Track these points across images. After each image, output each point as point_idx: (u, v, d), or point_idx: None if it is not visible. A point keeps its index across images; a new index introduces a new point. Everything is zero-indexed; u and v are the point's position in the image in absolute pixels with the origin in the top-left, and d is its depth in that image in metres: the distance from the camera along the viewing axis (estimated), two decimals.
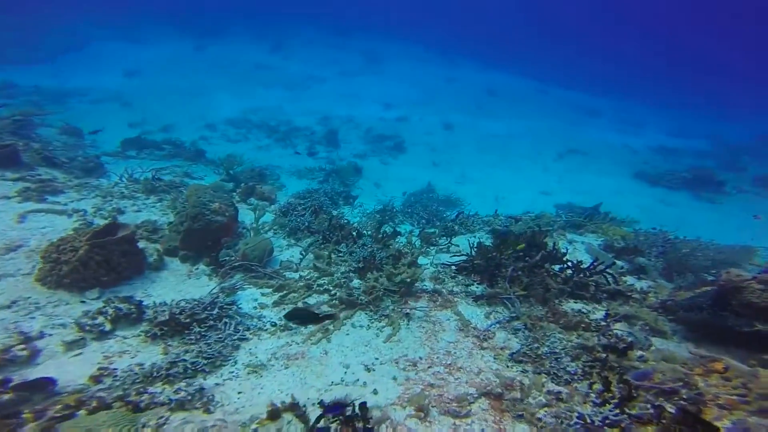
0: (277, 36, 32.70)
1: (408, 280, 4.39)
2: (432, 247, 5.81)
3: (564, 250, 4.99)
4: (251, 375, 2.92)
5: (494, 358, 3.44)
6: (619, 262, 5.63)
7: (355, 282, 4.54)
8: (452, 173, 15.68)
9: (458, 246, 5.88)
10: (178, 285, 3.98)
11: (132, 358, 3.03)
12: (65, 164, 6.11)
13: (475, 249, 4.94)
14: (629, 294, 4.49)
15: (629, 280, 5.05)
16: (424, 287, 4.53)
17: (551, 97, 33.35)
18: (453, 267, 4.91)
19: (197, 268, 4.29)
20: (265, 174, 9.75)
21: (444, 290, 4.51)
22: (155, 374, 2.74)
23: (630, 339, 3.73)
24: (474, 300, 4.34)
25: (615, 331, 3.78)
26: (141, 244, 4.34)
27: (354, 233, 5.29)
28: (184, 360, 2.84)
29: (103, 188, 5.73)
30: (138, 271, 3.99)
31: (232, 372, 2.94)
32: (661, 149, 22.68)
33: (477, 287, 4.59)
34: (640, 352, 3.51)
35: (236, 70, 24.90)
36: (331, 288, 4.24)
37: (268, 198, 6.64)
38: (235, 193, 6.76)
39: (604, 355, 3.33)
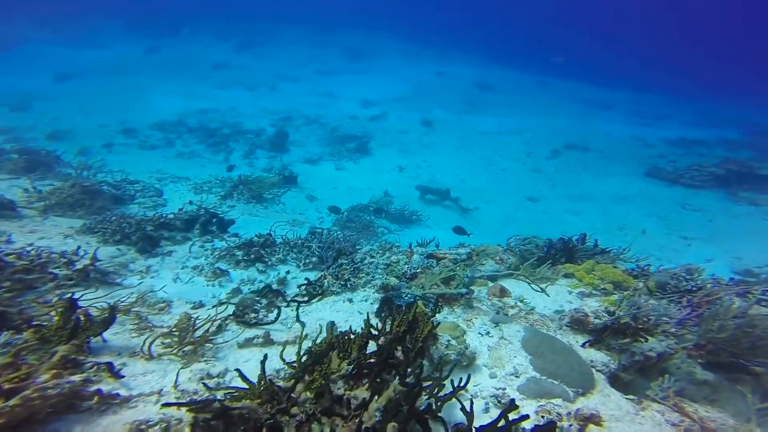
0: (248, 34, 30.62)
1: None
2: (244, 331, 3.09)
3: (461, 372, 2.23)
4: None
5: None
6: (598, 359, 2.82)
7: None
8: (420, 179, 12.94)
9: (304, 325, 3.18)
10: None
11: None
12: None
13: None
14: None
15: None
16: None
17: (554, 90, 30.38)
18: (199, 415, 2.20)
19: None
20: (125, 189, 7.29)
21: None
22: None
23: None
24: None
25: None
26: None
27: None
28: None
29: None
30: None
31: None
32: (681, 141, 19.39)
33: None
34: None
35: (190, 71, 22.78)
36: None
37: None
38: None
39: None
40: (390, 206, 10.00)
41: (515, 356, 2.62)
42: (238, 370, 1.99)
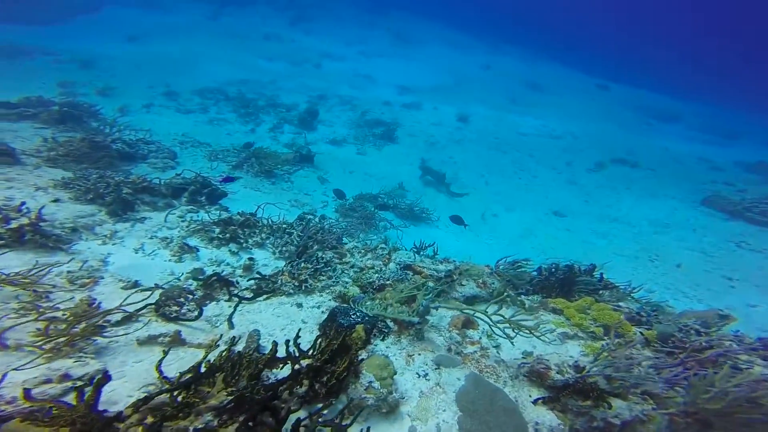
0: (303, 8, 30.54)
1: None
2: None
3: None
4: None
5: None
6: (546, 422, 2.35)
7: None
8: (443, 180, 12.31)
9: (232, 327, 2.93)
10: None
11: None
12: None
13: None
14: None
15: None
16: None
17: (613, 95, 27.99)
18: None
19: None
20: (138, 148, 7.42)
21: None
22: None
23: None
24: None
25: None
26: None
27: None
28: None
29: None
30: None
31: None
32: (760, 166, 17.05)
33: None
34: None
35: (243, 41, 23.16)
36: None
37: None
38: None
39: None
40: (401, 200, 9.58)
41: (444, 410, 2.22)
42: (100, 374, 1.75)
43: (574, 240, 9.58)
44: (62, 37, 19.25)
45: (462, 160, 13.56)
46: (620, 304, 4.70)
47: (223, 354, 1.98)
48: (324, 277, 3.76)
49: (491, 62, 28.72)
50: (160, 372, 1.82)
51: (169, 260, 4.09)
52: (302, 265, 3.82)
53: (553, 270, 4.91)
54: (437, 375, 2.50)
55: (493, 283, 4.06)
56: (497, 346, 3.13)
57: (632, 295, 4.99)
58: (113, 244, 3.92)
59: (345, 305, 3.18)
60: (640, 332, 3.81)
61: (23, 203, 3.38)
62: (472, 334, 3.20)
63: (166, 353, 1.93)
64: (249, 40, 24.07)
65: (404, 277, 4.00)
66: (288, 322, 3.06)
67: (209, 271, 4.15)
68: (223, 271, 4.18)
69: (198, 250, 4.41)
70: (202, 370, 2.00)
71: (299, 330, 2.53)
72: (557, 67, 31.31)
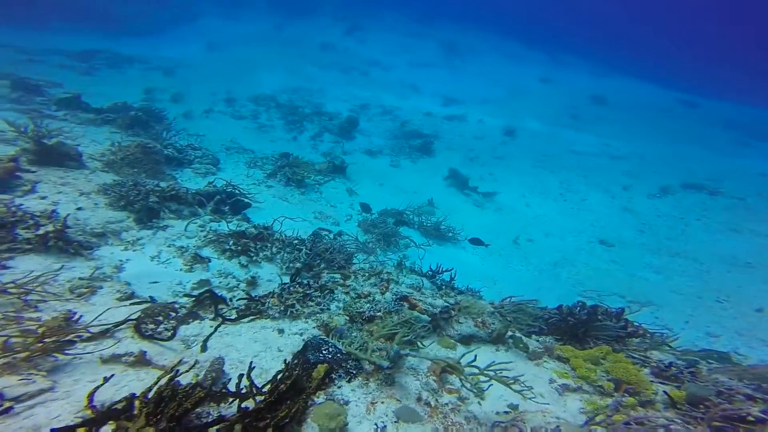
0: (358, 18, 31.46)
1: None
2: None
3: None
4: None
5: None
6: None
7: None
8: (475, 192, 11.84)
9: (204, 350, 2.99)
10: None
11: None
12: None
13: None
14: None
15: None
16: None
17: (699, 113, 24.88)
18: None
19: None
20: (186, 154, 8.01)
21: None
22: None
23: None
24: None
25: None
26: None
27: None
28: None
29: None
30: None
31: None
32: None
33: None
34: None
35: (300, 50, 24.40)
36: None
37: None
38: None
39: None
40: (429, 217, 9.32)
41: None
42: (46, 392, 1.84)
43: (619, 273, 8.61)
44: (158, 45, 21.73)
45: (502, 177, 12.92)
46: (652, 353, 4.11)
47: (162, 384, 1.99)
48: (313, 303, 3.72)
49: (551, 74, 27.24)
50: (90, 401, 1.86)
51: (181, 269, 4.32)
52: (295, 287, 3.82)
53: (579, 309, 4.42)
54: (395, 430, 2.31)
55: (493, 323, 3.73)
56: (481, 391, 2.84)
57: (669, 344, 4.31)
58: (134, 251, 4.23)
59: (321, 338, 3.10)
60: (665, 391, 3.26)
61: (54, 210, 3.80)
62: (454, 381, 2.95)
63: (106, 380, 1.99)
64: (306, 48, 25.30)
65: (399, 309, 3.82)
66: (263, 349, 3.05)
67: (216, 282, 4.32)
68: (228, 284, 4.34)
69: (210, 261, 4.61)
70: (150, 395, 2.02)
71: (251, 363, 2.49)
72: (631, 82, 28.80)
